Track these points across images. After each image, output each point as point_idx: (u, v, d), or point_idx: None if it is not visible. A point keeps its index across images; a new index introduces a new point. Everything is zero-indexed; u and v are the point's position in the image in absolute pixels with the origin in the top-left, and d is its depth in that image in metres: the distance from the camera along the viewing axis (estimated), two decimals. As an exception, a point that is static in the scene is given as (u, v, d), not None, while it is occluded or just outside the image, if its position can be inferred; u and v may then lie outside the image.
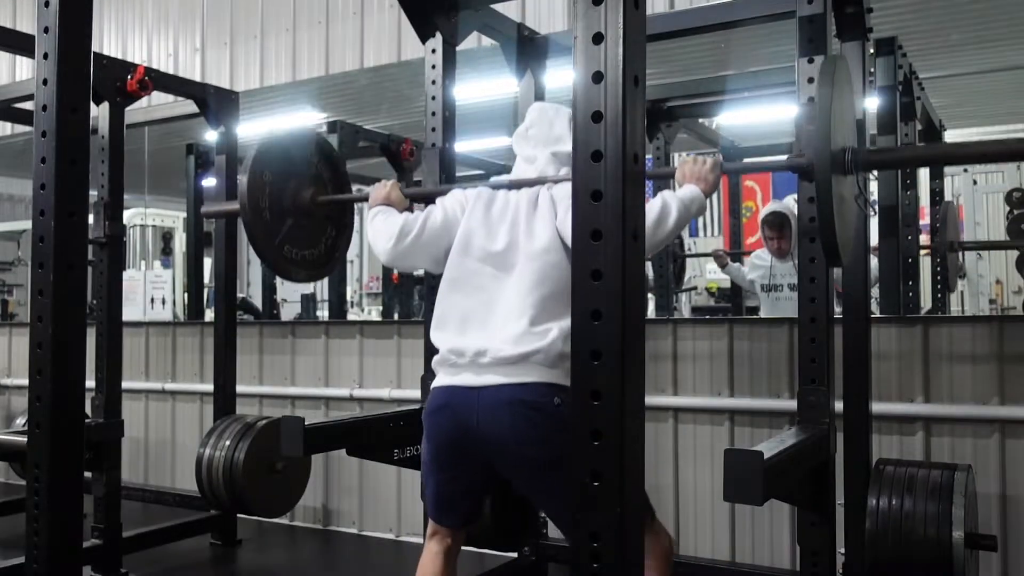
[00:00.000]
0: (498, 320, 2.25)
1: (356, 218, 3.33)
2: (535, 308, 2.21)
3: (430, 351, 3.28)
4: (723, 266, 5.76)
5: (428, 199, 2.73)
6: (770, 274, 4.90)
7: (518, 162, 2.56)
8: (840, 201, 2.10)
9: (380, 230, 2.52)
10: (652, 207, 2.23)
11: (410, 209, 2.68)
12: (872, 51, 3.84)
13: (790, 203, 4.83)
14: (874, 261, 3.86)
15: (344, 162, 3.18)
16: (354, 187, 3.49)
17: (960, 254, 5.26)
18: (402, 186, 2.76)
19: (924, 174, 5.38)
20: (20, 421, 5.11)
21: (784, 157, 2.68)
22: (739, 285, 5.87)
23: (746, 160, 6.80)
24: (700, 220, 12.24)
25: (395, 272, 7.21)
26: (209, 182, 5.88)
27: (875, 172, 3.95)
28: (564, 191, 2.26)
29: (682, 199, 2.28)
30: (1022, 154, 2.44)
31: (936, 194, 5.59)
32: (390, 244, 2.46)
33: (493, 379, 2.20)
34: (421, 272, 3.49)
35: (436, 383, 2.35)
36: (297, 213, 2.94)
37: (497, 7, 3.62)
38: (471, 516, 2.47)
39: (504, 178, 2.49)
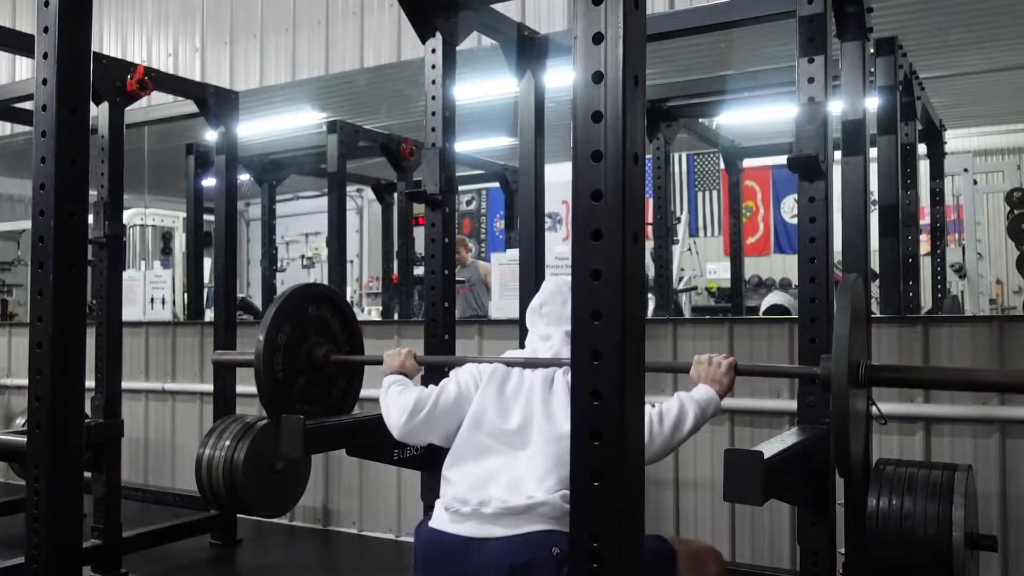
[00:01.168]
0: (507, 482, 2.21)
1: (354, 216, 3.30)
2: (547, 480, 2.18)
3: (430, 351, 3.30)
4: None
5: (443, 369, 2.75)
6: None
7: (531, 338, 2.53)
8: (854, 414, 2.13)
9: (393, 404, 2.48)
10: (670, 410, 2.22)
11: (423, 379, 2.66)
12: (872, 51, 3.84)
13: (788, 297, 4.83)
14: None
15: (355, 316, 3.18)
16: (353, 187, 3.49)
17: (961, 253, 5.25)
18: (416, 354, 2.75)
19: (924, 174, 5.38)
20: (20, 421, 5.11)
21: (798, 366, 2.75)
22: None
23: (746, 161, 6.82)
24: (701, 220, 12.27)
25: (395, 272, 7.21)
26: (209, 182, 5.88)
27: (875, 174, 3.97)
28: None
29: (698, 402, 2.27)
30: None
31: (936, 194, 5.60)
32: (403, 419, 2.42)
33: (497, 531, 2.15)
34: (422, 272, 3.49)
35: (433, 523, 2.28)
36: (310, 371, 2.95)
37: (497, 7, 3.62)
38: None
39: (519, 356, 2.46)
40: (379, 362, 2.78)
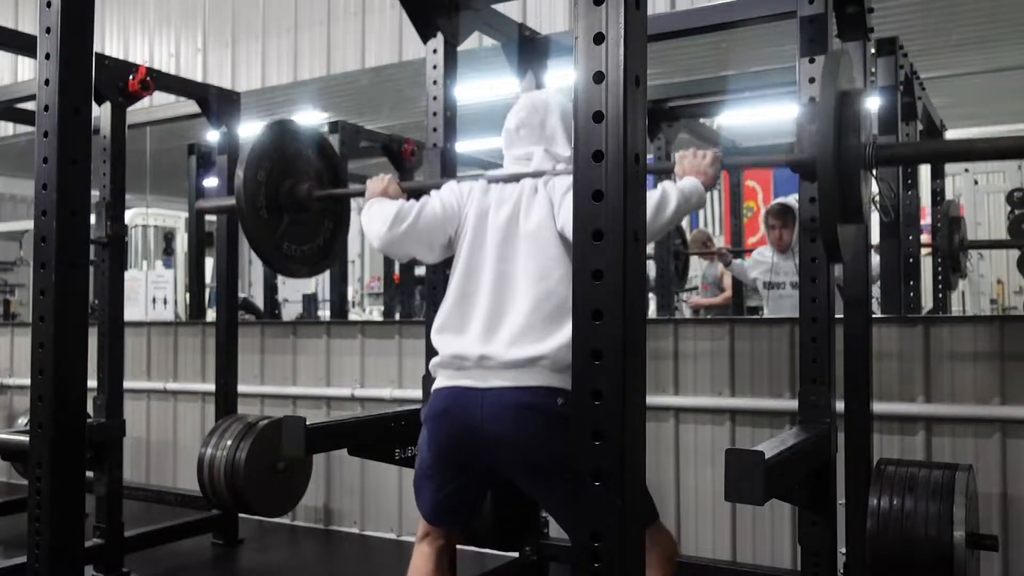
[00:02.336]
0: (503, 325, 2.24)
1: (354, 216, 3.31)
2: (541, 313, 2.21)
3: (431, 351, 3.30)
4: (727, 264, 5.79)
5: (425, 193, 2.73)
6: (772, 271, 4.92)
7: (508, 162, 2.51)
8: (843, 198, 2.08)
9: (376, 214, 2.50)
10: (652, 196, 2.22)
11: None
12: (873, 51, 3.84)
13: (792, 202, 4.86)
14: (875, 258, 3.86)
15: (339, 155, 3.16)
16: (354, 186, 3.50)
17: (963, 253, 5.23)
18: (399, 182, 2.75)
19: (925, 174, 5.38)
20: (22, 421, 5.12)
21: (789, 155, 2.67)
22: (742, 282, 5.90)
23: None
24: (702, 220, 12.26)
25: (396, 272, 7.21)
26: (211, 182, 5.89)
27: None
28: (564, 182, 2.25)
29: (682, 190, 2.28)
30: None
31: (937, 194, 5.59)
32: (384, 228, 2.44)
33: (498, 382, 2.20)
34: (423, 271, 3.49)
35: (438, 385, 2.33)
36: (294, 209, 2.92)
37: (498, 7, 3.62)
38: (469, 519, 2.46)
39: (501, 172, 2.47)
40: (362, 193, 2.76)
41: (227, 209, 2.91)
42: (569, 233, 1.93)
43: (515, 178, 2.41)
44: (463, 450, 2.27)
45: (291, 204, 2.91)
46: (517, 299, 2.25)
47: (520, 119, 2.50)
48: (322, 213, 3.05)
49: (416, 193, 2.85)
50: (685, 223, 9.46)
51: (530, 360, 2.17)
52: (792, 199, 4.98)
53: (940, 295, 5.36)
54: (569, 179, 1.54)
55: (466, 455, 2.28)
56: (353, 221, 3.27)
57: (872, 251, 3.37)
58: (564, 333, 2.14)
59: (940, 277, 5.28)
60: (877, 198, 2.32)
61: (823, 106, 2.09)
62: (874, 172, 2.25)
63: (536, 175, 2.37)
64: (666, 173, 2.42)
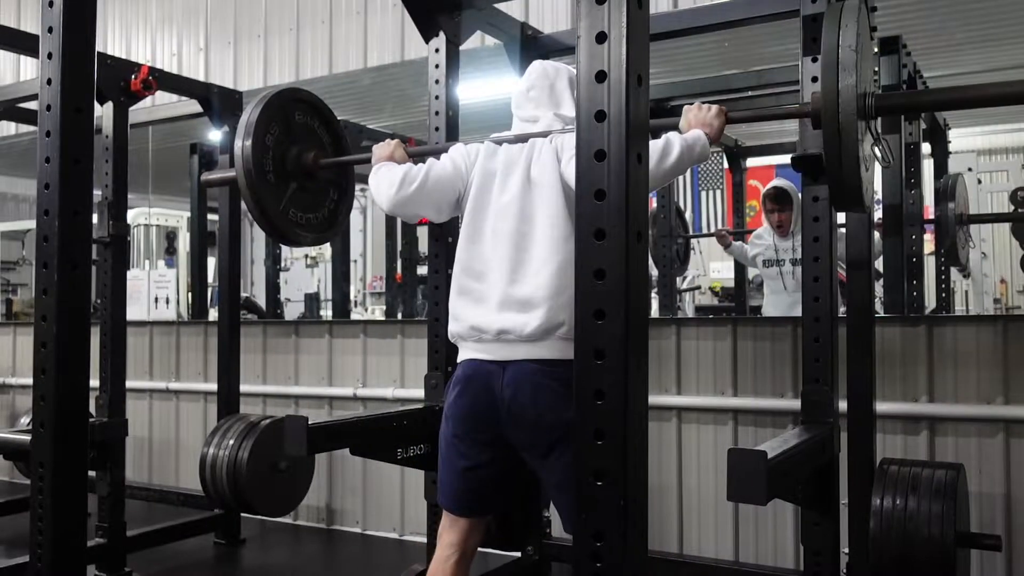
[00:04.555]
0: (517, 284, 2.26)
1: (355, 216, 3.31)
2: (554, 276, 2.22)
3: (434, 350, 3.30)
4: (726, 246, 5.78)
5: (431, 156, 2.73)
6: (772, 249, 4.92)
7: (517, 122, 2.54)
8: (850, 144, 2.04)
9: (383, 177, 2.51)
10: (655, 144, 2.23)
11: None
12: (876, 50, 3.83)
13: (792, 185, 4.84)
14: (875, 236, 3.83)
15: (341, 124, 3.17)
16: (357, 187, 3.49)
17: (966, 231, 5.13)
18: (405, 146, 2.76)
19: (928, 174, 5.36)
20: (25, 420, 5.12)
21: (794, 105, 2.63)
22: (742, 263, 5.89)
23: (750, 161, 6.81)
24: (705, 218, 12.25)
25: (398, 271, 7.21)
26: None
27: (879, 173, 3.96)
28: (569, 140, 2.25)
29: (685, 139, 2.29)
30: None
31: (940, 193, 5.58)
32: (392, 190, 2.45)
33: (519, 353, 2.23)
34: (425, 271, 3.49)
35: (462, 357, 2.37)
36: (300, 176, 2.93)
37: (500, 6, 3.62)
38: (486, 506, 2.43)
39: (508, 133, 2.47)
40: (368, 160, 2.77)
41: (232, 180, 2.88)
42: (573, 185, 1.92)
43: (522, 139, 2.42)
44: (484, 418, 2.30)
45: (297, 170, 2.92)
46: (534, 263, 2.26)
47: (531, 81, 2.54)
48: (327, 182, 3.06)
49: (423, 156, 2.85)
50: (688, 216, 9.47)
51: (547, 331, 2.20)
52: (787, 182, 4.97)
53: (943, 294, 5.35)
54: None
55: (487, 425, 2.30)
56: (354, 221, 3.26)
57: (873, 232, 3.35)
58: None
59: (943, 276, 5.27)
60: (878, 149, 2.30)
61: (827, 46, 2.06)
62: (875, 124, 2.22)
63: (543, 135, 2.39)
64: (671, 128, 2.41)
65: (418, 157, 2.78)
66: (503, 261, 2.29)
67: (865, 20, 2.21)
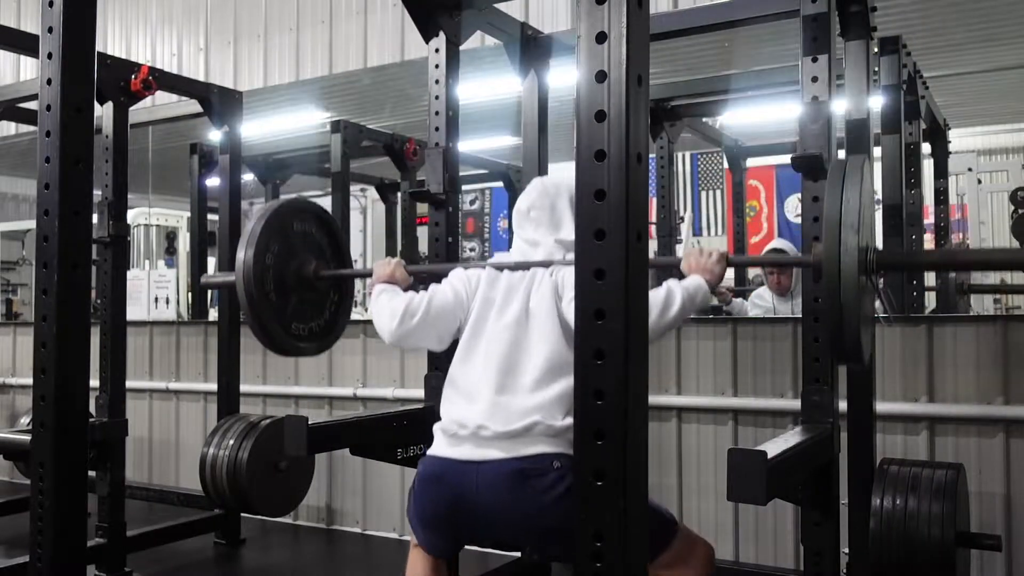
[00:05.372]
0: (504, 394, 2.22)
1: (355, 216, 3.30)
2: (540, 386, 2.19)
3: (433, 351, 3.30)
4: (727, 303, 5.76)
5: (432, 277, 2.73)
6: (772, 312, 4.87)
7: (519, 243, 2.51)
8: (853, 301, 2.07)
9: (384, 308, 2.48)
10: (656, 296, 2.22)
11: (414, 288, 2.64)
12: (876, 50, 3.83)
13: (792, 245, 4.83)
14: None
15: (340, 229, 3.15)
16: (357, 187, 3.49)
17: (966, 300, 5.17)
18: (405, 264, 2.73)
19: (928, 173, 5.37)
20: (25, 420, 5.12)
21: (796, 255, 2.63)
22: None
23: (750, 161, 6.81)
24: (705, 220, 12.26)
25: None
26: (213, 181, 5.89)
27: (879, 173, 3.96)
28: (570, 275, 2.22)
29: (687, 288, 2.27)
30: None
31: (940, 193, 5.58)
32: (394, 324, 2.43)
33: (495, 454, 2.16)
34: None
35: (433, 451, 2.29)
36: (301, 289, 2.90)
37: (500, 6, 3.62)
38: (459, 549, 2.46)
39: (508, 260, 2.46)
40: (369, 274, 2.76)
41: (232, 284, 2.89)
42: (571, 321, 1.90)
43: (523, 266, 2.40)
44: (456, 518, 2.23)
45: (298, 284, 2.89)
46: (520, 378, 2.23)
47: (531, 200, 2.51)
48: (327, 286, 3.03)
49: (423, 276, 2.85)
50: (689, 224, 9.47)
51: (525, 428, 2.15)
52: (785, 243, 4.96)
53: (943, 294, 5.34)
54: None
55: (459, 522, 2.24)
56: (354, 221, 3.26)
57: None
58: (562, 405, 2.14)
59: (943, 276, 5.26)
60: (879, 303, 2.31)
61: (829, 208, 2.07)
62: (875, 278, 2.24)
63: (545, 264, 2.37)
64: (672, 267, 2.41)
65: (419, 276, 2.77)
66: (491, 383, 2.25)
67: (869, 175, 2.22)
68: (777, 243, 5.10)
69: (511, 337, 2.28)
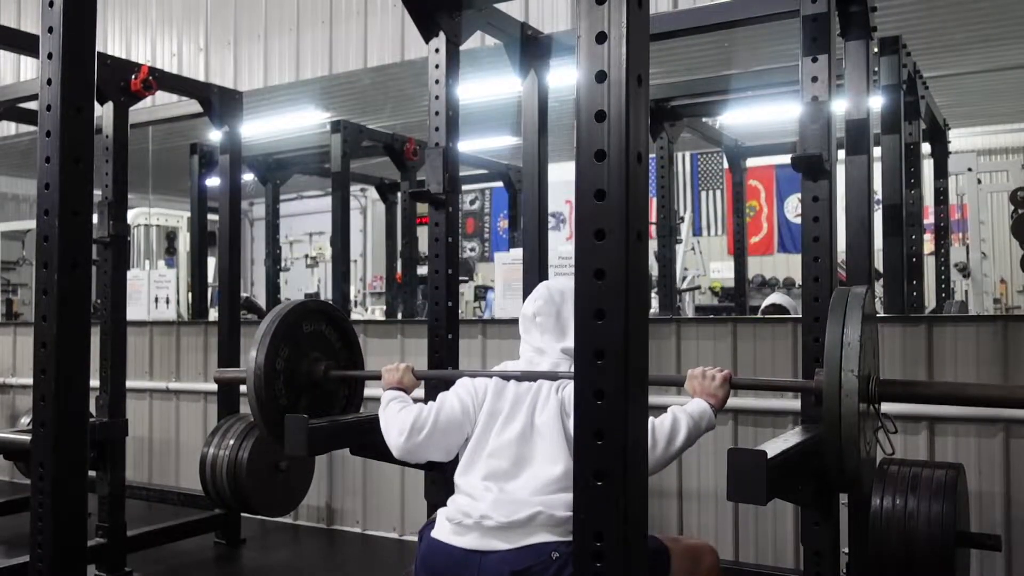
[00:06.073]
0: (509, 492, 2.23)
1: (355, 216, 3.31)
2: (546, 491, 2.20)
3: (433, 351, 3.31)
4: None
5: (440, 383, 2.75)
6: None
7: (525, 349, 2.51)
8: (853, 432, 2.08)
9: (392, 422, 2.48)
10: (663, 426, 2.24)
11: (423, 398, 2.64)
12: (876, 50, 3.83)
13: (788, 299, 4.85)
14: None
15: (350, 324, 3.16)
16: (357, 187, 3.50)
17: (965, 253, 5.19)
18: (413, 368, 2.75)
19: (928, 173, 5.37)
20: (25, 420, 5.12)
21: (797, 380, 2.64)
22: None
23: (750, 161, 6.81)
24: (705, 219, 12.26)
25: (398, 271, 7.21)
26: (213, 182, 5.89)
27: (879, 173, 3.97)
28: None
29: (691, 415, 2.28)
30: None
31: (940, 193, 5.58)
32: (402, 439, 2.43)
33: (498, 545, 2.16)
34: (425, 271, 3.49)
35: (436, 534, 2.29)
36: (311, 389, 2.93)
37: (500, 6, 3.62)
38: None
39: (515, 369, 2.46)
40: (378, 377, 2.78)
41: (242, 380, 2.91)
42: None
43: (530, 376, 2.40)
44: None
45: (308, 385, 2.92)
46: (522, 484, 2.24)
47: (537, 307, 2.50)
48: (337, 384, 3.06)
49: (432, 381, 2.85)
50: (688, 224, 9.47)
51: (528, 518, 2.15)
52: (784, 299, 4.96)
53: (943, 295, 5.35)
54: None
55: None
56: (354, 221, 3.27)
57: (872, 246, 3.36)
58: (564, 502, 2.14)
59: (943, 277, 5.28)
60: (881, 435, 2.33)
61: (830, 343, 2.08)
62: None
63: (551, 376, 2.37)
64: (675, 385, 2.42)
65: (428, 381, 2.79)
66: (491, 488, 2.26)
67: (871, 304, 2.24)
68: (775, 298, 5.10)
69: (515, 452, 2.29)
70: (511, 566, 2.14)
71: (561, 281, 2.63)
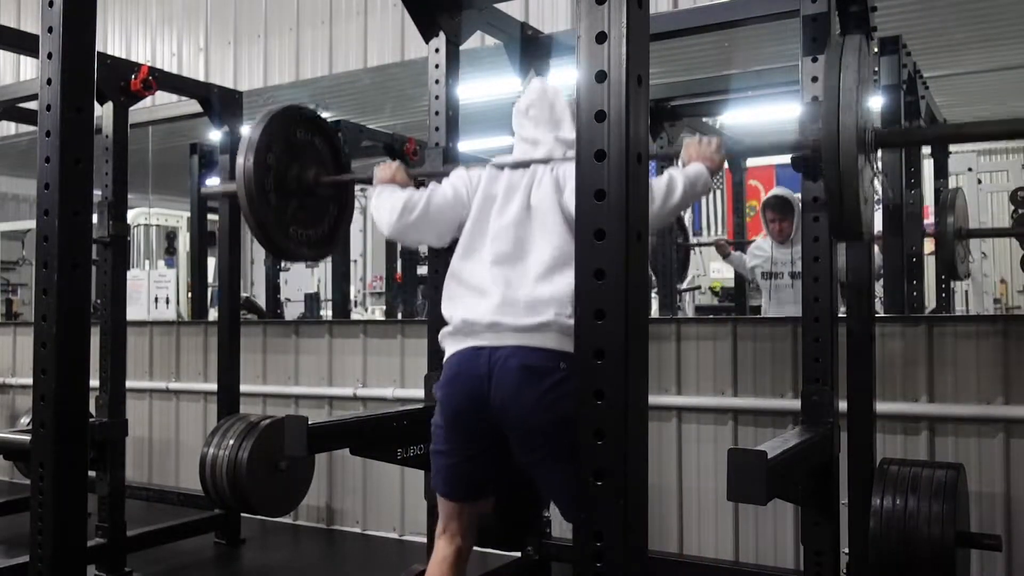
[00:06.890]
0: (514, 289, 2.27)
1: (355, 215, 3.33)
2: (549, 278, 2.23)
3: (434, 350, 3.30)
4: (725, 255, 5.79)
5: (434, 178, 2.74)
6: (771, 261, 4.92)
7: (519, 143, 2.54)
8: (852, 177, 2.08)
9: (384, 203, 2.53)
10: (659, 182, 2.27)
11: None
12: (876, 50, 3.83)
13: (791, 192, 4.85)
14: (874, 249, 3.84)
15: (340, 138, 3.19)
16: (357, 187, 3.50)
17: (966, 244, 5.15)
18: (407, 168, 2.77)
19: (928, 173, 5.37)
20: (25, 420, 5.12)
21: (795, 138, 2.65)
22: (741, 273, 5.90)
23: (750, 161, 6.81)
24: (705, 219, 12.25)
25: (398, 271, 7.21)
26: (213, 181, 5.89)
27: (878, 183, 3.96)
28: (570, 170, 2.27)
29: (687, 175, 2.33)
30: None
31: (940, 193, 5.58)
32: (393, 218, 2.48)
33: (509, 340, 2.22)
34: (425, 271, 3.49)
35: (449, 352, 2.35)
36: (301, 194, 2.94)
37: (501, 6, 3.62)
38: (482, 489, 2.44)
39: (509, 157, 2.49)
40: (369, 180, 2.79)
41: (233, 193, 2.90)
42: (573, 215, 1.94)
43: (524, 164, 2.43)
44: (473, 413, 2.29)
45: (298, 188, 2.93)
46: (528, 271, 2.27)
47: (530, 100, 2.54)
48: (327, 198, 3.08)
49: (423, 178, 2.86)
50: (688, 217, 9.45)
51: (541, 324, 2.20)
52: (786, 190, 4.97)
53: (943, 294, 5.35)
54: None
55: (475, 418, 2.29)
56: (354, 220, 3.27)
57: (873, 243, 3.36)
58: (571, 303, 2.14)
59: (942, 276, 5.27)
60: (879, 183, 2.34)
61: (828, 88, 2.08)
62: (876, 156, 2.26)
63: (545, 161, 2.40)
64: (672, 159, 2.45)
65: (420, 178, 2.79)
66: (498, 278, 2.30)
67: (866, 55, 2.24)
68: (778, 190, 5.12)
69: (515, 234, 2.32)
70: (521, 359, 2.20)
71: (552, 85, 2.67)
